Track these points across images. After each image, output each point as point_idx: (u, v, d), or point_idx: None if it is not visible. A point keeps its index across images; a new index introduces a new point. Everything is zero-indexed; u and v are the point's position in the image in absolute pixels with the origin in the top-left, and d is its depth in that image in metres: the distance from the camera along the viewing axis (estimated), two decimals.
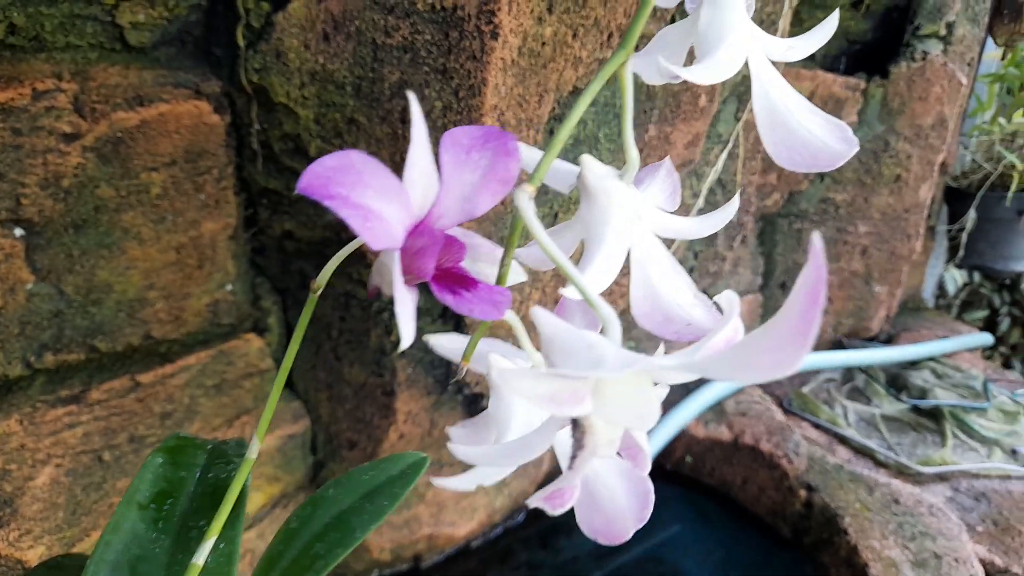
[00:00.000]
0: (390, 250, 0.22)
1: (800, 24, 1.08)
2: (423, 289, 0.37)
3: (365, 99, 0.61)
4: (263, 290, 0.75)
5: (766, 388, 1.26)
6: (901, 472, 1.08)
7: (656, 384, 0.25)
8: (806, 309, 0.17)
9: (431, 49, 0.58)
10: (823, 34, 0.31)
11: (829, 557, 0.95)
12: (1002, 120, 1.46)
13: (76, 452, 0.62)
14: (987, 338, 1.49)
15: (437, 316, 0.71)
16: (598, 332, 0.28)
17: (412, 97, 0.21)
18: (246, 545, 0.75)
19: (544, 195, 0.68)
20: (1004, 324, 1.83)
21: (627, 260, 0.30)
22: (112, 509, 0.66)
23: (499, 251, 0.27)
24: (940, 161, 1.30)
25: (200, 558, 0.24)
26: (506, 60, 0.58)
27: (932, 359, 1.39)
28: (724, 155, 0.86)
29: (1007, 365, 1.84)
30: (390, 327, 0.70)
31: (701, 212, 0.91)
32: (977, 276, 1.80)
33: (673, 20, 0.68)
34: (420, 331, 0.70)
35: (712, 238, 0.98)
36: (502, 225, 0.66)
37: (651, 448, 1.03)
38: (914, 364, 1.37)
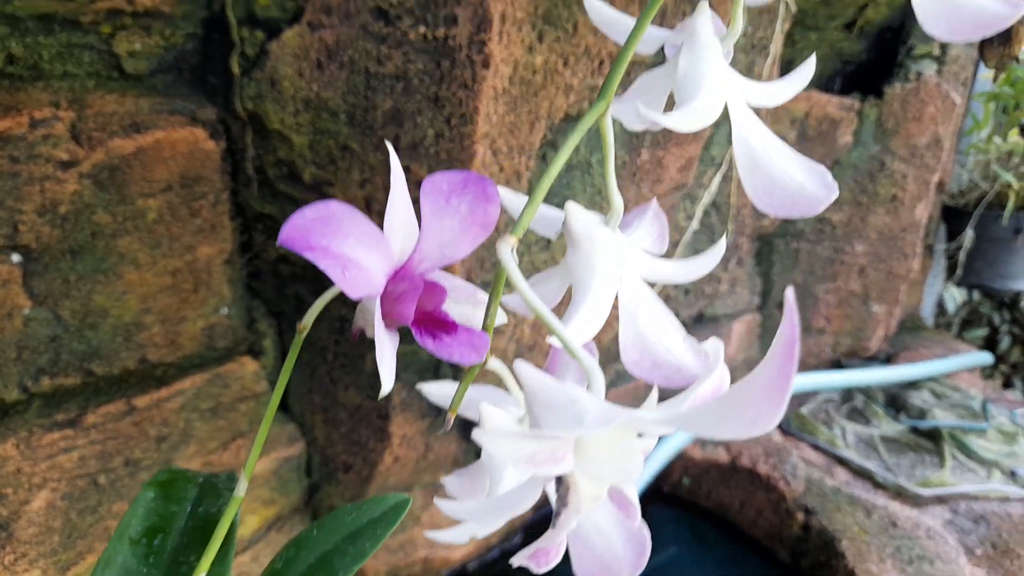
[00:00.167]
0: (372, 297, 0.22)
1: (793, 45, 1.09)
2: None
3: (358, 126, 0.61)
4: (258, 314, 0.75)
5: None
6: (900, 494, 1.08)
7: (641, 435, 0.25)
8: (783, 366, 0.17)
9: (423, 78, 0.58)
10: (802, 77, 0.31)
11: None
12: (998, 139, 1.47)
13: (72, 476, 0.62)
14: (986, 357, 1.49)
15: (432, 369, 0.71)
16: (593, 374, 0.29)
17: (391, 150, 0.21)
18: (240, 568, 0.75)
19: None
20: (1005, 342, 1.83)
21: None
22: (108, 532, 0.66)
23: (479, 293, 0.27)
24: (936, 180, 1.31)
25: None
26: (497, 88, 0.58)
27: (931, 379, 1.39)
28: (718, 178, 0.87)
29: (1008, 384, 1.83)
30: None
31: (696, 234, 0.91)
32: (977, 294, 1.80)
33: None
34: (419, 371, 0.71)
35: None
36: (487, 268, 0.66)
37: (649, 470, 1.03)
38: (913, 384, 1.37)
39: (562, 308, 0.29)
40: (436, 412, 0.77)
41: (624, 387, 1.06)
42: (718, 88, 0.28)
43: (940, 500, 1.07)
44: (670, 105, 0.31)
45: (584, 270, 0.27)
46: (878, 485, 1.09)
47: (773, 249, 1.25)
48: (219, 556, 0.26)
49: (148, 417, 0.67)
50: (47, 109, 0.56)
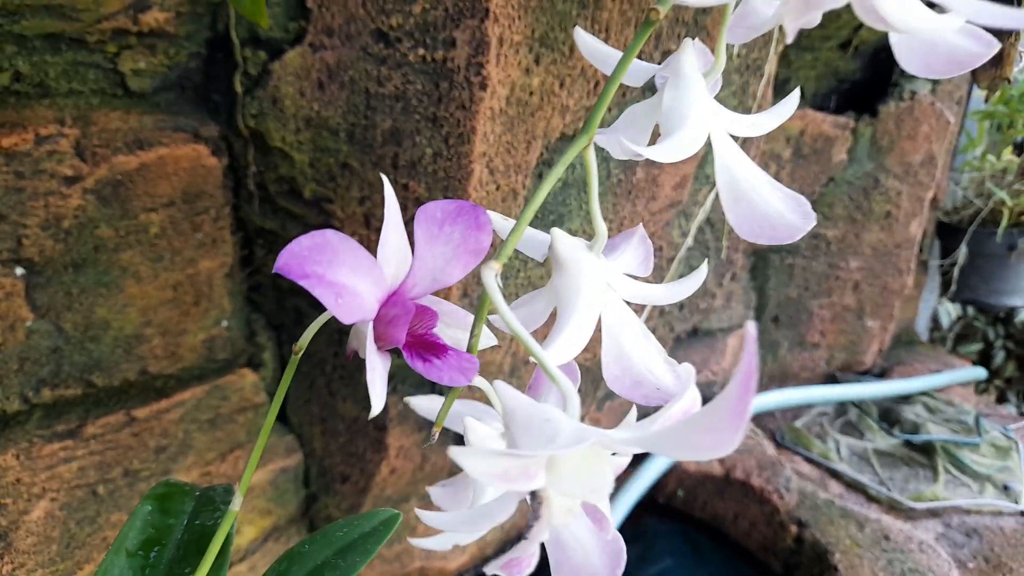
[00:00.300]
0: (364, 322, 0.23)
1: (788, 65, 1.11)
2: None
3: (358, 145, 0.63)
4: (258, 326, 0.76)
5: (759, 422, 1.27)
6: (893, 507, 1.08)
7: (615, 454, 0.26)
8: (741, 394, 0.18)
9: (422, 98, 0.60)
10: (786, 108, 0.32)
11: None
12: (992, 157, 1.48)
13: (71, 486, 0.63)
14: (980, 372, 1.50)
15: (423, 383, 0.72)
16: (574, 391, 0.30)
17: (386, 181, 0.22)
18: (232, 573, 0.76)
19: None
20: (999, 358, 1.84)
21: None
22: (106, 542, 0.67)
23: (471, 318, 0.29)
24: (930, 197, 1.32)
25: None
26: (494, 109, 0.59)
27: (925, 393, 1.40)
28: (712, 195, 0.88)
29: (1002, 399, 1.84)
30: None
31: (690, 250, 0.93)
32: (971, 310, 1.82)
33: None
34: (415, 384, 0.72)
35: None
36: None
37: (643, 482, 1.04)
38: (907, 398, 1.38)
39: (549, 327, 0.30)
40: (431, 425, 0.78)
41: (619, 400, 1.07)
42: (701, 121, 0.29)
43: (933, 514, 1.08)
44: (656, 136, 0.32)
45: (569, 293, 0.29)
46: (871, 499, 1.10)
47: (768, 264, 1.26)
48: (214, 568, 0.27)
49: (148, 428, 0.68)
50: (52, 126, 0.57)
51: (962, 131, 1.51)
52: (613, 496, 1.03)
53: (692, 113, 0.29)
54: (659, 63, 0.73)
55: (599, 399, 0.98)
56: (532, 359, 0.25)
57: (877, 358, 1.47)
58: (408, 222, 0.26)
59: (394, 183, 0.63)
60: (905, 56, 0.29)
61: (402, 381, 0.74)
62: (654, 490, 1.10)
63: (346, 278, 0.22)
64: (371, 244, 0.25)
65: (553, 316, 0.30)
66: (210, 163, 0.66)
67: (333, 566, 0.29)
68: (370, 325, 0.23)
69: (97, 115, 0.60)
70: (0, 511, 0.60)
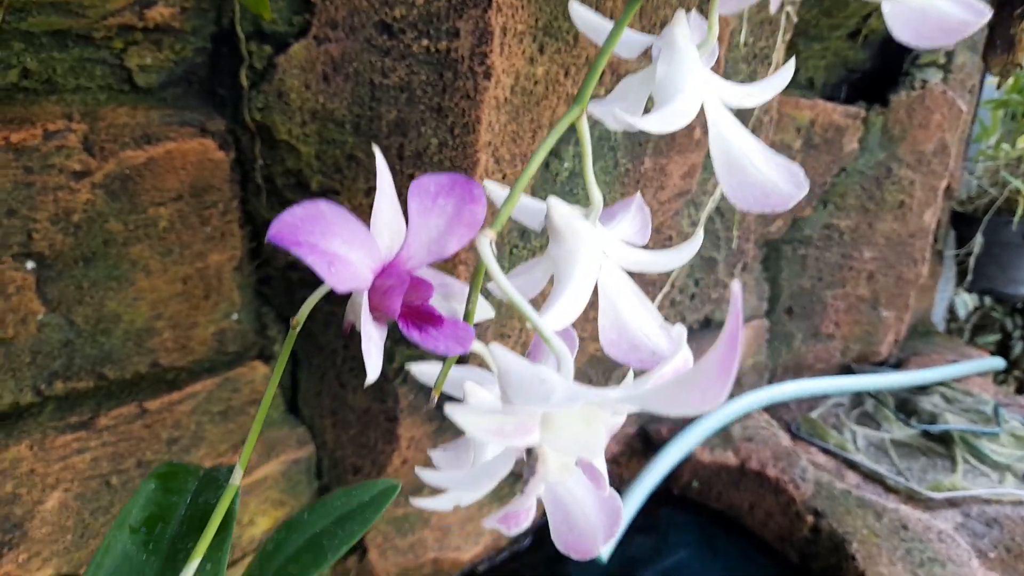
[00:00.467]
0: (360, 291, 0.23)
1: (797, 56, 1.10)
2: None
3: (364, 136, 0.63)
4: (268, 319, 0.77)
5: (774, 413, 1.26)
6: (911, 498, 1.07)
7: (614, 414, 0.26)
8: (727, 352, 0.18)
9: (427, 89, 0.60)
10: (779, 81, 0.32)
11: None
12: (1006, 146, 1.47)
13: (84, 477, 0.64)
14: (998, 362, 1.49)
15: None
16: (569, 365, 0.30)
17: (378, 152, 0.23)
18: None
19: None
20: (1017, 348, 1.82)
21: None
22: None
23: (467, 289, 0.29)
24: (944, 187, 1.31)
25: None
26: (499, 99, 0.59)
27: (942, 383, 1.38)
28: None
29: (1021, 389, 1.82)
30: (392, 354, 0.72)
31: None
32: (988, 300, 1.80)
33: None
34: (419, 359, 0.72)
35: (713, 265, 1.00)
36: (499, 255, 0.67)
37: (658, 473, 1.03)
38: (924, 389, 1.37)
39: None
40: (443, 415, 0.78)
41: None
42: (695, 91, 0.29)
43: (952, 504, 1.07)
44: (650, 110, 0.32)
45: (566, 261, 0.29)
46: (889, 489, 1.09)
47: (780, 255, 1.26)
48: (216, 543, 0.27)
49: (160, 420, 0.68)
50: (60, 121, 0.58)
51: (975, 120, 1.50)
52: (627, 487, 1.03)
53: (686, 83, 0.29)
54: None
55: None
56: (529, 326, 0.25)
57: (893, 349, 1.46)
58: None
59: (400, 174, 0.63)
60: (897, 25, 0.29)
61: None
62: (668, 481, 1.10)
63: (339, 247, 0.22)
64: None
65: (551, 286, 0.30)
66: (217, 157, 0.66)
67: (331, 534, 0.29)
68: (365, 295, 0.23)
69: (105, 111, 0.61)
70: (15, 501, 0.60)
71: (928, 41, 0.27)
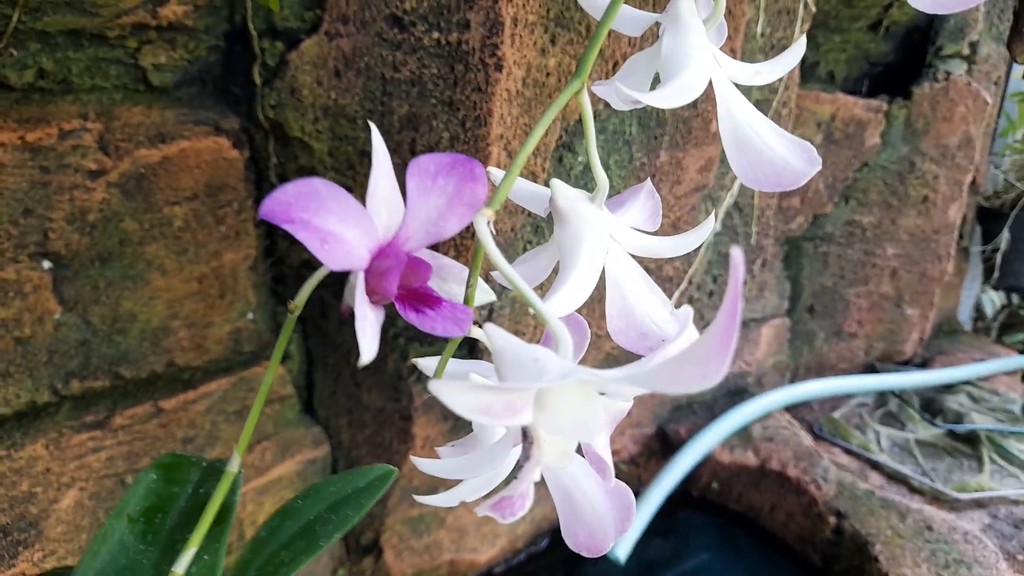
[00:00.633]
0: (355, 271, 0.23)
1: (817, 48, 1.09)
2: None
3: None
4: (284, 318, 0.77)
5: (795, 413, 1.24)
6: (936, 498, 1.05)
7: (609, 396, 0.26)
8: (727, 324, 0.18)
9: (438, 82, 0.59)
10: (790, 59, 0.32)
11: None
12: None
13: (100, 476, 0.64)
14: None
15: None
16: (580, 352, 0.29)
17: (374, 128, 0.22)
18: None
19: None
20: None
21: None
22: None
23: (467, 271, 0.28)
24: (969, 181, 1.29)
25: (180, 568, 0.25)
26: (511, 91, 0.59)
27: (968, 383, 1.36)
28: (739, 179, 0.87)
29: None
30: (406, 352, 0.72)
31: (718, 236, 0.91)
32: (1016, 298, 1.77)
33: None
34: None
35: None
36: (512, 251, 0.67)
37: (675, 475, 1.02)
38: (950, 388, 1.34)
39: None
40: (457, 416, 0.78)
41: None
42: (702, 67, 0.28)
43: (979, 505, 1.05)
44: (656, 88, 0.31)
45: (571, 245, 0.28)
46: (914, 490, 1.07)
47: (801, 252, 1.24)
48: (215, 533, 0.27)
49: (175, 419, 0.68)
50: (75, 120, 0.58)
51: (1001, 113, 1.47)
52: (645, 489, 1.02)
53: (692, 58, 0.28)
54: None
55: None
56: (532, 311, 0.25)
57: (918, 348, 1.43)
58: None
59: None
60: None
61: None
62: (687, 483, 1.09)
63: (333, 225, 0.22)
64: None
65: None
66: (231, 155, 0.66)
67: (325, 520, 0.29)
68: (361, 275, 0.23)
69: (120, 110, 0.61)
70: (31, 500, 0.61)
71: (945, 8, 0.27)
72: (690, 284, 0.90)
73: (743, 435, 1.11)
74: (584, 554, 0.30)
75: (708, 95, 0.30)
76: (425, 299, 0.25)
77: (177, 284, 0.67)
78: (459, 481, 0.39)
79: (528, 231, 0.67)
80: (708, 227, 0.32)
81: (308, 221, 0.21)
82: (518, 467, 0.28)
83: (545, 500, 0.93)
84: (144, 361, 0.66)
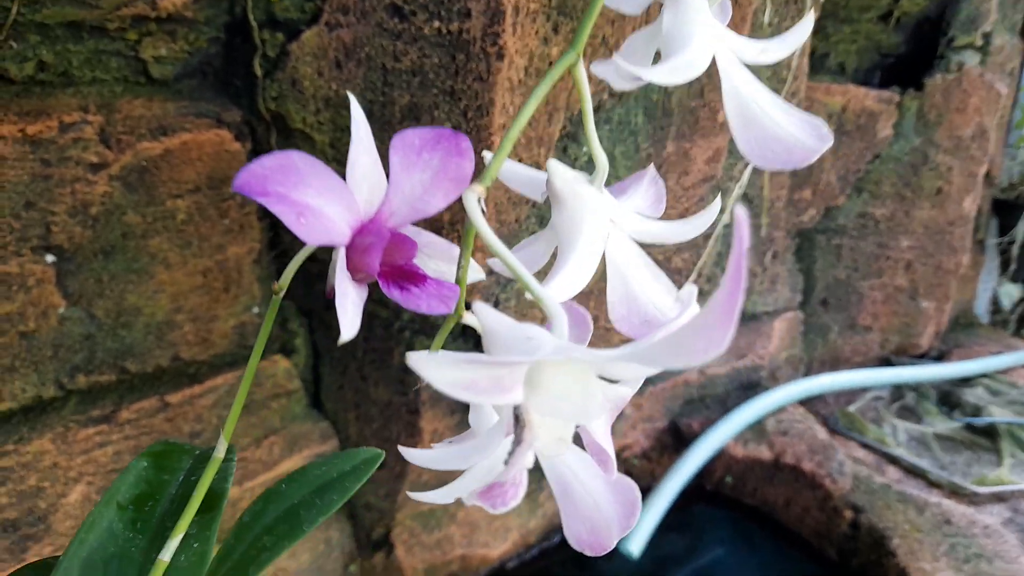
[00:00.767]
0: (338, 247, 0.22)
1: (827, 39, 1.07)
2: None
3: (377, 122, 0.62)
4: (289, 312, 0.76)
5: (810, 407, 1.23)
6: (955, 492, 1.04)
7: (613, 381, 0.25)
8: (732, 288, 0.17)
9: (439, 72, 0.59)
10: (799, 36, 0.30)
11: None
12: None
13: (107, 470, 0.64)
14: None
15: (458, 335, 0.72)
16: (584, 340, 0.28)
17: (352, 99, 0.21)
18: (278, 564, 0.76)
19: None
20: None
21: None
22: None
23: (454, 249, 0.28)
24: (983, 172, 1.27)
25: (167, 555, 0.25)
26: (513, 80, 0.58)
27: (986, 375, 1.34)
28: (749, 170, 0.85)
29: None
30: (412, 345, 0.71)
31: (727, 227, 0.90)
32: None
33: None
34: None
35: None
36: (516, 242, 0.66)
37: (688, 469, 1.01)
38: (967, 381, 1.32)
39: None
40: (466, 408, 0.77)
41: (661, 385, 1.05)
42: (705, 42, 0.27)
43: (998, 498, 1.03)
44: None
45: (569, 228, 0.27)
46: (931, 483, 1.05)
47: (814, 245, 1.22)
48: (206, 521, 0.27)
49: (181, 413, 0.68)
50: (76, 114, 0.58)
51: (1016, 105, 1.45)
52: (658, 484, 1.01)
53: (694, 33, 0.27)
54: None
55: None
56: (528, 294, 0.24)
57: (934, 341, 1.41)
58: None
59: None
60: None
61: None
62: (701, 477, 1.08)
63: (311, 199, 0.21)
64: None
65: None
66: (234, 148, 0.66)
67: (309, 504, 0.28)
68: (342, 251, 0.22)
69: (121, 103, 0.61)
70: (39, 494, 0.61)
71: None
72: (699, 276, 0.89)
73: (757, 429, 1.10)
74: (587, 552, 0.29)
75: (716, 84, 0.29)
76: (410, 276, 0.24)
77: (181, 278, 0.66)
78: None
79: (533, 222, 0.67)
80: (714, 211, 0.31)
81: (285, 195, 0.20)
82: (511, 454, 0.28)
83: None
84: (149, 355, 0.66)
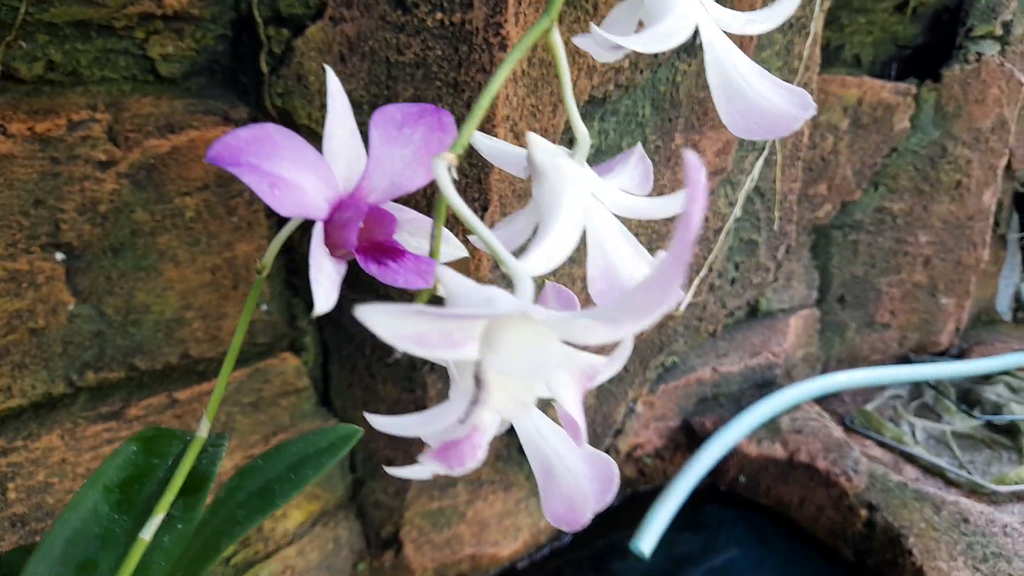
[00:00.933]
0: (312, 219, 0.22)
1: (842, 30, 1.06)
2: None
3: None
4: (298, 310, 0.77)
5: (826, 406, 1.21)
6: (974, 491, 1.02)
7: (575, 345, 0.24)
8: (683, 234, 0.16)
9: (442, 64, 0.59)
10: (787, 6, 0.30)
11: None
12: None
13: None
14: None
15: None
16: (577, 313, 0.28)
17: (329, 71, 0.21)
18: (286, 562, 0.76)
19: None
20: None
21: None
22: None
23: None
24: (1004, 165, 1.25)
25: (147, 533, 0.25)
26: (516, 71, 0.58)
27: (1007, 373, 1.32)
28: (760, 162, 0.85)
29: None
30: None
31: (739, 221, 0.89)
32: None
33: None
34: None
35: (753, 248, 0.96)
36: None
37: (700, 468, 1.00)
38: (987, 378, 1.30)
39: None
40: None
41: (673, 383, 1.04)
42: (687, 9, 0.27)
43: (1019, 497, 1.01)
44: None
45: (549, 202, 0.27)
46: (950, 482, 1.04)
47: (830, 241, 1.21)
48: (190, 503, 0.27)
49: (190, 410, 0.68)
50: (84, 111, 0.58)
51: None
52: (671, 483, 1.00)
53: (676, 2, 0.27)
54: None
55: (651, 381, 0.95)
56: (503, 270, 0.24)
57: (954, 338, 1.39)
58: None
59: None
60: None
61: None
62: (714, 476, 1.07)
63: (286, 171, 0.21)
64: None
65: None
66: None
67: (284, 479, 0.28)
68: (320, 225, 0.22)
69: (129, 101, 0.61)
70: (47, 490, 0.61)
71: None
72: (710, 271, 0.88)
73: (771, 427, 1.09)
74: (564, 528, 0.29)
75: None
76: (388, 251, 0.24)
77: (190, 275, 0.67)
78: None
79: None
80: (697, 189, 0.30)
81: (257, 165, 0.20)
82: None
83: None
84: (159, 352, 0.66)
